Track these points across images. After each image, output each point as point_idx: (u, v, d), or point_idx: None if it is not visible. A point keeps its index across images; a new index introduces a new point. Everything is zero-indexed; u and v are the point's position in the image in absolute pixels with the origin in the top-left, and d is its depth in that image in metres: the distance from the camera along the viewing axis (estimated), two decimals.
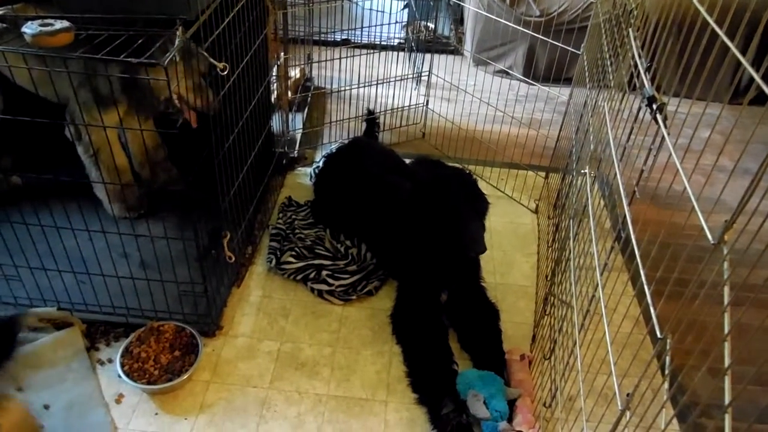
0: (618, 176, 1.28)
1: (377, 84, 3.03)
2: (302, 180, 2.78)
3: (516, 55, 3.93)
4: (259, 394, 1.76)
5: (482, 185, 2.09)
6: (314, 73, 3.56)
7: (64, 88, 1.94)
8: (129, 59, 1.45)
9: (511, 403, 1.67)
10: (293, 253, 2.21)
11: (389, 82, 3.11)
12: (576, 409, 1.60)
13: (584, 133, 1.88)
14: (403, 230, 2.06)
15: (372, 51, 3.05)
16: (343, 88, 3.14)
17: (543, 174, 2.81)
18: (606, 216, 2.16)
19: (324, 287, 2.11)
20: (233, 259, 1.92)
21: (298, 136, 2.98)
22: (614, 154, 1.34)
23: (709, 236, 0.79)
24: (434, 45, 3.40)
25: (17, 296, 1.91)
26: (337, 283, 2.12)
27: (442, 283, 2.03)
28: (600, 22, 2.03)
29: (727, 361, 0.74)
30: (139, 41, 1.52)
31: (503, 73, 3.80)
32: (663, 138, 1.04)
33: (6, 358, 1.68)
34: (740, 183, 0.77)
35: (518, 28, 3.02)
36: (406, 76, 3.25)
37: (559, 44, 2.59)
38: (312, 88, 3.45)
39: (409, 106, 3.19)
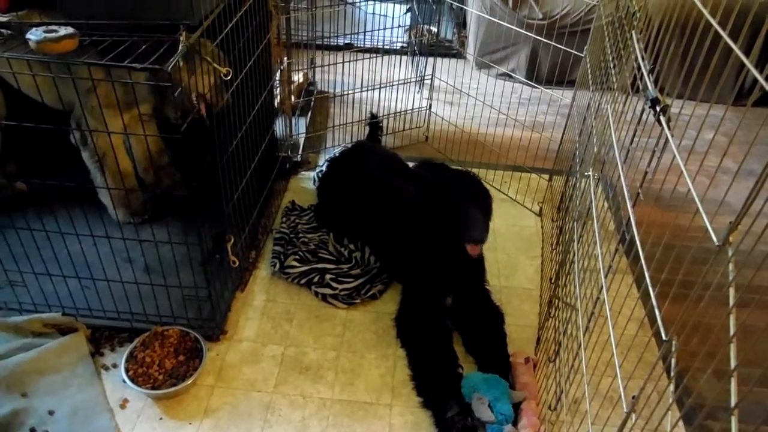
0: (622, 178, 1.27)
1: (380, 88, 3.03)
2: (305, 184, 2.78)
3: (519, 58, 3.93)
4: (264, 399, 1.76)
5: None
6: (317, 77, 3.57)
7: (70, 94, 1.94)
8: (133, 65, 1.46)
9: (516, 406, 1.67)
10: (297, 257, 2.21)
11: (392, 85, 3.12)
12: (581, 411, 1.59)
13: (588, 136, 1.88)
14: (407, 233, 2.06)
15: (375, 55, 3.06)
16: (346, 92, 3.15)
17: (546, 177, 2.80)
18: (610, 218, 2.16)
19: (328, 291, 2.11)
20: (237, 263, 1.92)
21: (302, 140, 2.98)
22: (618, 157, 1.33)
23: (714, 238, 0.79)
24: (437, 48, 3.40)
25: (22, 302, 1.91)
26: (340, 286, 2.12)
27: (446, 286, 2.03)
28: (603, 24, 2.03)
29: (733, 363, 0.73)
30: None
31: (506, 76, 3.81)
32: (667, 140, 1.03)
33: None
34: (744, 184, 0.77)
35: (521, 31, 3.01)
36: (409, 80, 3.25)
37: (562, 47, 2.59)
38: (315, 92, 3.46)
39: (412, 109, 3.19)
